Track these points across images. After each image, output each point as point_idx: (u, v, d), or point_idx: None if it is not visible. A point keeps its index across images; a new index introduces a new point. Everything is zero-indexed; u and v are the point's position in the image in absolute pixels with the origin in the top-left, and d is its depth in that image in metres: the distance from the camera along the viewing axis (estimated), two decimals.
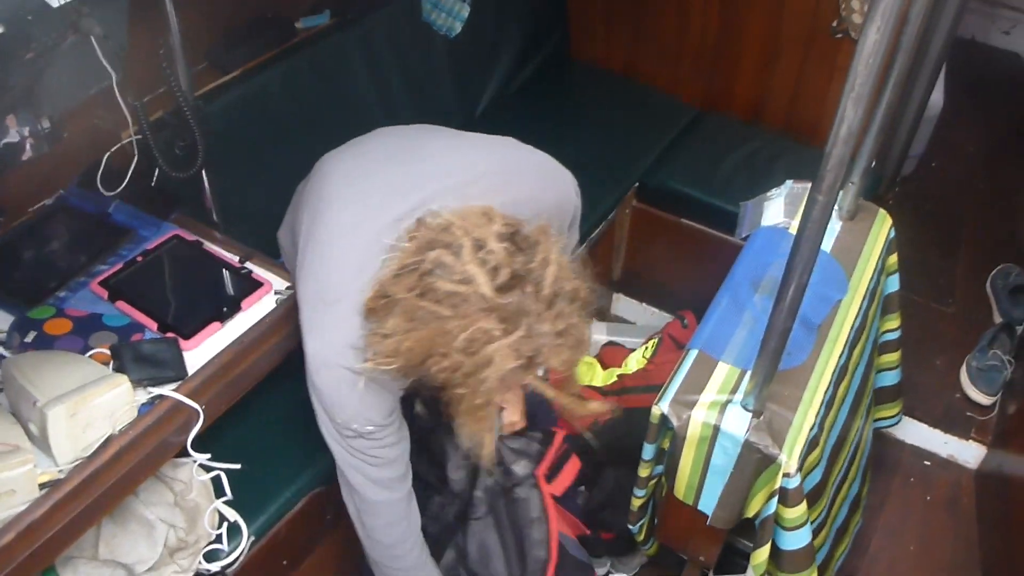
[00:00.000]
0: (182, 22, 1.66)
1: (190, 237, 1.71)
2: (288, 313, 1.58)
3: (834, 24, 2.56)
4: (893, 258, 1.97)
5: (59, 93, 1.71)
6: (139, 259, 1.65)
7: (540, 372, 1.22)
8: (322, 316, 1.38)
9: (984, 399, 2.55)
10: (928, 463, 2.53)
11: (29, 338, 1.49)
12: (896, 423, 2.31)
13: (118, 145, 1.83)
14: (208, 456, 1.56)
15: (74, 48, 1.60)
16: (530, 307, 1.17)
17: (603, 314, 2.92)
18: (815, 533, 1.73)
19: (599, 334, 2.61)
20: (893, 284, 2.00)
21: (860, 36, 1.08)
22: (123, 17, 1.64)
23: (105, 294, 1.59)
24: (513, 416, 1.36)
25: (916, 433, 2.55)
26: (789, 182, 2.01)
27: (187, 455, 1.49)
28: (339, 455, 1.48)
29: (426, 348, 1.18)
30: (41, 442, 1.31)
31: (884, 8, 1.04)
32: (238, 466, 1.63)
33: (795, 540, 1.57)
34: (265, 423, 1.85)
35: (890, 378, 2.17)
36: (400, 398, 1.45)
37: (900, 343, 2.10)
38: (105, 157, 1.81)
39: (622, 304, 2.93)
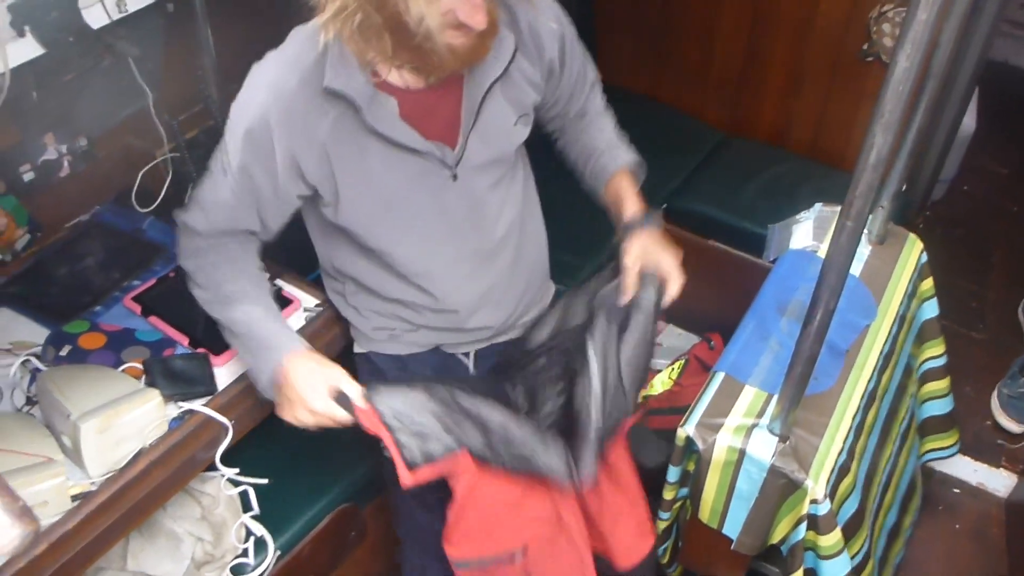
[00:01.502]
0: (217, 42, 1.69)
1: None
2: (318, 330, 1.60)
3: (864, 48, 2.56)
4: (928, 283, 1.95)
5: (96, 112, 1.75)
6: (171, 275, 1.68)
7: None
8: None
9: (1015, 427, 2.51)
10: (957, 491, 2.50)
11: (64, 352, 1.52)
12: (953, 454, 2.25)
13: (152, 163, 1.86)
14: (236, 471, 1.57)
15: (111, 69, 1.64)
16: None
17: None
18: (862, 565, 1.71)
19: None
20: (931, 310, 1.98)
21: (890, 61, 1.08)
22: (159, 38, 1.68)
23: (138, 309, 1.61)
24: (475, 14, 1.19)
25: (945, 460, 2.52)
26: (818, 205, 2.00)
27: (215, 469, 1.50)
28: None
29: None
30: (74, 455, 1.34)
31: (914, 35, 1.04)
32: (265, 481, 1.64)
33: (835, 569, 1.55)
34: (293, 439, 1.84)
35: (939, 407, 2.12)
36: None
37: (947, 370, 2.07)
38: (140, 175, 1.85)
39: None
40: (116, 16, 1.39)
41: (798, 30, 2.68)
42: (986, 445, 2.51)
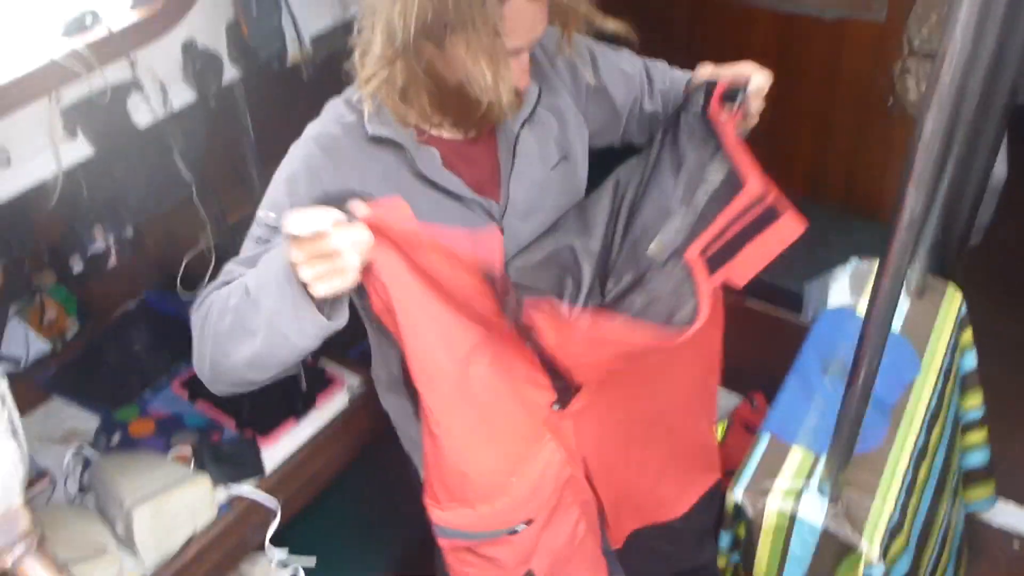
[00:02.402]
0: (255, 127, 1.74)
1: None
2: (360, 409, 1.62)
3: (890, 100, 2.57)
4: (967, 334, 1.93)
5: (142, 203, 1.81)
6: None
7: None
8: None
9: None
10: (1017, 547, 2.42)
11: (114, 440, 1.55)
12: (991, 506, 2.21)
13: (197, 248, 1.91)
14: (285, 550, 1.58)
15: (157, 161, 1.69)
16: None
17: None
18: None
19: None
20: (970, 361, 1.95)
21: (917, 117, 1.08)
22: (201, 130, 1.73)
23: (186, 394, 1.65)
24: (523, 77, 1.17)
25: (1005, 513, 2.44)
26: (854, 260, 1.99)
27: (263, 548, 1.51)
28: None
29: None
30: (127, 542, 1.35)
31: (940, 97, 1.05)
32: (313, 560, 1.65)
33: None
34: (338, 512, 1.86)
35: (978, 458, 2.08)
36: None
37: (985, 420, 2.04)
38: (184, 260, 1.89)
39: None
40: (162, 115, 1.44)
41: (825, 81, 2.70)
42: None
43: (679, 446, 1.51)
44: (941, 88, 1.05)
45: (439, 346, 1.13)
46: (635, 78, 1.51)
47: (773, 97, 2.89)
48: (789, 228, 1.27)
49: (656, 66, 1.54)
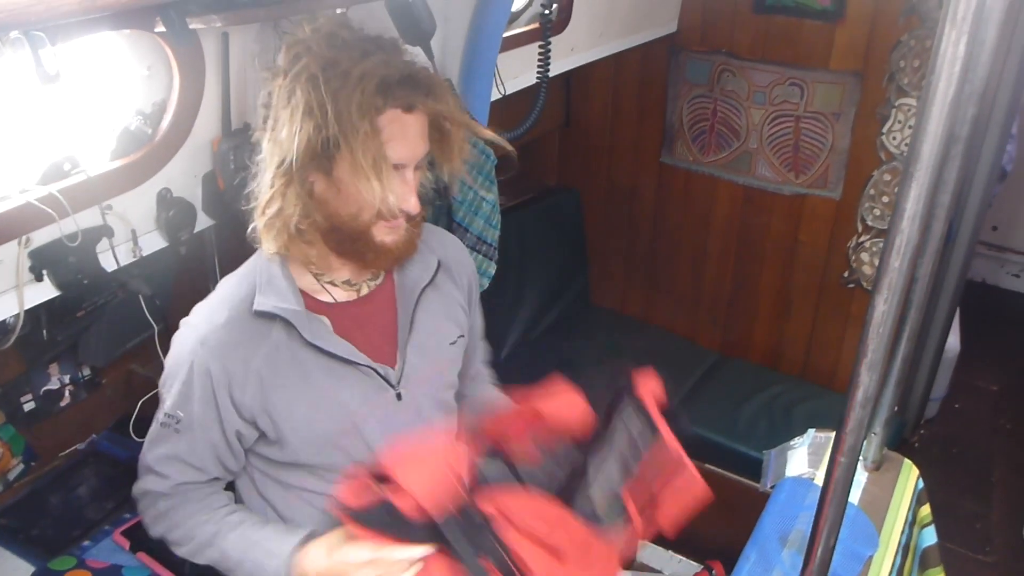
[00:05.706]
0: (224, 273, 1.74)
1: None
2: None
3: (845, 275, 2.66)
4: (926, 509, 1.93)
5: (102, 344, 1.79)
6: None
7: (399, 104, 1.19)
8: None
9: None
10: None
11: None
12: None
13: (153, 392, 1.88)
14: None
15: (120, 303, 1.69)
16: (370, 46, 1.19)
17: (628, 562, 2.83)
18: None
19: None
20: (930, 537, 1.94)
21: (871, 293, 1.11)
22: (170, 275, 1.74)
23: (127, 544, 1.58)
24: (404, 192, 1.23)
25: None
26: (811, 431, 2.01)
27: None
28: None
29: (292, 121, 1.17)
30: None
31: (890, 281, 1.08)
32: None
33: None
34: None
35: None
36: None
37: None
38: (139, 404, 1.86)
39: (648, 552, 2.84)
40: (131, 259, 1.45)
41: (782, 257, 2.81)
42: None
43: None
44: (890, 274, 1.08)
45: None
46: (478, 345, 1.60)
47: (733, 270, 3.02)
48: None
49: (480, 349, 1.63)
